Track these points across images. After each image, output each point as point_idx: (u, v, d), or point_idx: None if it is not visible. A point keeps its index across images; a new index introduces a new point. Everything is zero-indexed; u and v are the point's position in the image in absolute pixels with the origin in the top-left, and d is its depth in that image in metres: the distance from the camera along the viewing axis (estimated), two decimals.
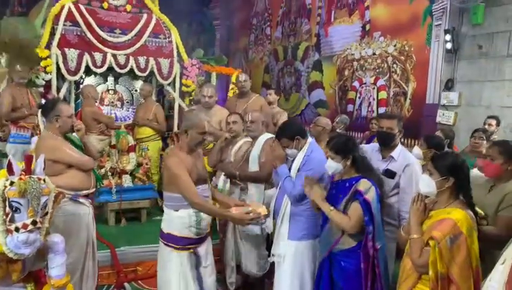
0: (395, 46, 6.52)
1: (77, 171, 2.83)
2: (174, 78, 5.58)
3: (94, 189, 3.02)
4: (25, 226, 1.94)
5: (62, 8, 4.98)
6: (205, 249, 2.69)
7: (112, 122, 5.20)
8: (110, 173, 4.58)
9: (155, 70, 5.42)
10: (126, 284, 3.59)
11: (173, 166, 2.50)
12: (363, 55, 7.17)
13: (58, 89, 4.97)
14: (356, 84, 7.37)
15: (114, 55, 5.16)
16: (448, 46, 5.47)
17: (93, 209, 3.06)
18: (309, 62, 8.68)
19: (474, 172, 2.91)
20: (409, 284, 2.04)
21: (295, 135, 2.72)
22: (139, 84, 5.95)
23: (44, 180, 2.05)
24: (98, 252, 3.22)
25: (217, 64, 6.05)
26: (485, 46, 5.19)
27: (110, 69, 5.28)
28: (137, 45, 5.29)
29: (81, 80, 5.58)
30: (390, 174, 2.78)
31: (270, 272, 3.15)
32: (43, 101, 4.54)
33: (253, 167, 3.20)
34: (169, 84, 5.61)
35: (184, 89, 5.61)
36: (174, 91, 5.64)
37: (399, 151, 2.86)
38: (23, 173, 2.00)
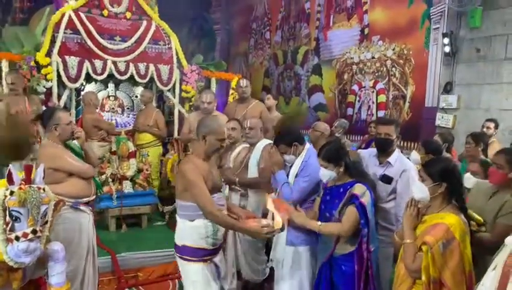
0: (393, 49, 6.55)
1: (77, 179, 2.86)
2: (174, 84, 5.62)
3: (94, 196, 3.05)
4: (25, 235, 1.96)
5: (62, 16, 5.03)
6: (219, 259, 2.58)
7: (113, 128, 5.23)
8: (110, 179, 4.61)
9: (155, 77, 5.46)
10: None
11: (189, 172, 2.36)
12: (362, 58, 7.20)
13: (59, 97, 5.01)
14: (355, 87, 7.40)
15: (114, 62, 5.21)
16: (447, 49, 5.50)
17: (94, 217, 3.09)
18: (308, 66, 8.72)
19: (467, 176, 2.94)
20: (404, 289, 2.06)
21: (293, 141, 2.74)
22: (139, 90, 6.00)
23: (44, 189, 2.07)
24: (98, 259, 3.25)
25: (216, 69, 6.09)
26: (483, 50, 5.21)
27: (111, 76, 5.33)
28: (137, 52, 5.34)
29: (82, 87, 5.63)
30: (387, 179, 2.80)
31: (269, 277, 3.17)
32: (44, 108, 4.58)
33: (252, 173, 3.23)
34: (169, 90, 5.66)
35: (184, 94, 5.64)
36: (174, 97, 5.68)
37: (396, 156, 2.88)
38: (23, 182, 2.02)
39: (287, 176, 2.77)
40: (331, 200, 2.55)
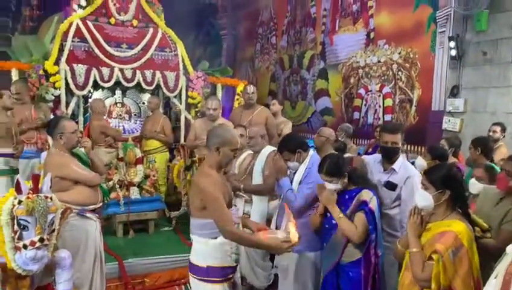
0: (399, 53, 6.54)
1: (84, 187, 2.90)
2: (180, 91, 5.67)
3: (101, 204, 3.09)
4: (32, 243, 2.01)
5: (70, 24, 5.11)
6: (237, 276, 2.46)
7: (120, 135, 5.30)
8: (118, 185, 4.65)
9: (161, 84, 5.52)
10: None
11: (209, 188, 2.19)
12: (368, 62, 7.20)
13: (67, 104, 5.09)
14: (362, 91, 7.39)
15: (121, 70, 5.28)
16: (453, 53, 5.47)
17: (100, 223, 3.13)
18: (314, 70, 8.73)
19: (472, 182, 2.92)
20: None
21: (296, 148, 2.76)
22: (146, 97, 6.06)
23: (51, 198, 2.12)
24: (106, 265, 3.29)
25: (222, 75, 6.12)
26: (489, 53, 5.18)
27: (118, 83, 5.39)
28: (144, 59, 5.40)
29: (90, 94, 5.70)
30: (391, 186, 2.80)
31: (274, 284, 3.18)
32: (52, 116, 4.65)
33: (257, 179, 3.24)
34: (175, 97, 5.71)
35: (190, 101, 5.69)
36: (180, 103, 5.73)
37: (400, 163, 2.87)
38: (30, 191, 2.07)
39: (291, 182, 2.78)
40: (338, 207, 2.56)
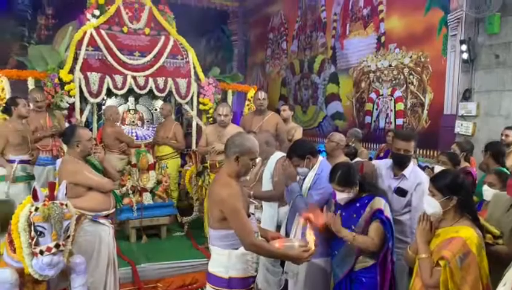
0: (410, 57, 6.51)
1: (97, 193, 2.97)
2: (192, 97, 5.74)
3: (113, 209, 3.16)
4: (48, 249, 2.07)
5: (84, 34, 5.22)
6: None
7: (133, 141, 5.39)
8: (131, 191, 4.74)
9: (173, 90, 5.59)
10: None
11: (230, 199, 2.15)
12: (379, 67, 7.17)
13: (82, 111, 5.19)
14: (373, 95, 7.36)
15: (134, 77, 5.36)
16: (465, 56, 5.43)
17: (113, 229, 3.19)
18: (325, 75, 8.73)
19: (484, 188, 2.90)
20: None
21: (306, 154, 2.78)
22: (158, 103, 6.16)
23: (66, 205, 2.18)
24: (120, 269, 3.35)
25: (232, 81, 6.17)
26: (502, 56, 5.12)
27: (131, 90, 5.48)
28: (156, 66, 5.48)
29: (103, 102, 5.81)
30: (402, 192, 2.79)
31: (284, 289, 3.19)
32: (66, 123, 4.76)
33: (266, 186, 3.27)
34: (187, 103, 5.78)
35: (201, 107, 5.75)
36: (192, 109, 5.80)
37: (411, 169, 2.86)
38: (46, 199, 2.14)
39: (300, 188, 2.80)
40: (348, 215, 2.57)
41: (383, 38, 7.10)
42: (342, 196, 2.52)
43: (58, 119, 4.74)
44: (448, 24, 5.82)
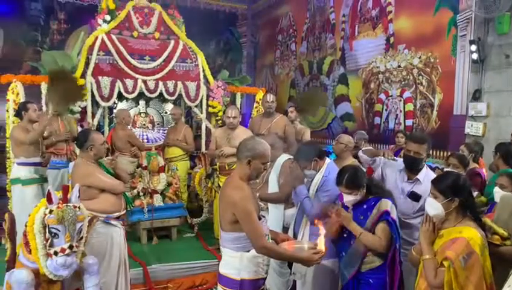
0: (420, 58, 6.49)
1: (109, 195, 3.04)
2: (201, 100, 5.79)
3: (125, 211, 3.23)
4: (62, 250, 2.15)
5: (96, 39, 5.32)
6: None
7: (144, 145, 5.49)
8: (142, 193, 4.82)
9: (183, 94, 5.65)
10: None
11: (242, 202, 2.18)
12: (388, 67, 7.16)
13: (93, 115, 5.28)
14: (382, 96, 7.35)
15: (144, 81, 5.43)
16: (474, 56, 5.40)
17: (125, 230, 3.26)
18: (334, 76, 8.74)
19: (495, 190, 2.89)
20: None
21: (313, 156, 2.81)
22: (168, 106, 6.24)
23: (79, 207, 2.26)
24: (130, 270, 3.42)
25: (241, 84, 6.21)
26: None
27: (141, 93, 5.56)
28: (166, 70, 5.54)
29: (115, 105, 5.91)
30: (415, 197, 2.77)
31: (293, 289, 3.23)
32: (79, 128, 4.85)
33: (272, 187, 3.30)
34: (196, 106, 5.84)
35: (211, 110, 5.80)
36: (201, 112, 5.86)
37: (424, 173, 2.85)
38: (60, 201, 2.21)
39: (308, 190, 2.83)
40: (356, 217, 2.59)
41: (391, 39, 7.09)
42: (349, 198, 2.55)
43: (70, 124, 4.85)
44: (458, 24, 5.79)
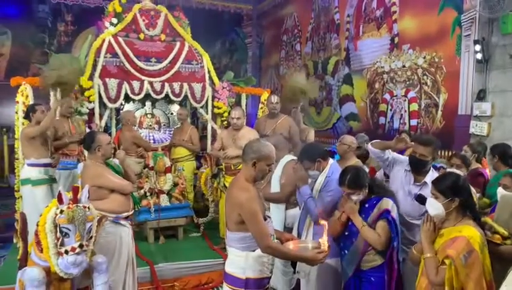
0: (424, 58, 6.50)
1: (118, 195, 3.11)
2: (207, 101, 5.85)
3: (133, 211, 3.30)
4: (73, 249, 2.22)
5: (103, 41, 5.39)
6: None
7: (150, 146, 5.56)
8: (148, 193, 4.89)
9: (189, 95, 5.71)
10: None
11: (248, 203, 2.23)
12: (393, 67, 7.17)
13: (101, 116, 5.36)
14: (387, 96, 7.36)
15: (150, 83, 5.50)
16: (479, 56, 5.40)
17: (132, 230, 3.33)
18: (339, 76, 8.76)
19: (499, 190, 2.92)
20: None
21: (316, 157, 2.87)
22: (174, 107, 6.31)
23: (88, 207, 2.33)
24: (138, 269, 3.49)
25: (246, 85, 6.26)
26: None
27: (147, 95, 5.63)
28: (172, 72, 5.60)
29: (121, 107, 5.99)
30: (422, 200, 2.80)
31: (296, 288, 3.28)
32: (87, 129, 4.94)
33: (274, 188, 3.36)
34: (202, 107, 5.89)
35: (216, 111, 5.86)
36: (207, 113, 5.92)
37: (430, 176, 2.86)
38: (70, 202, 2.28)
39: (312, 190, 2.88)
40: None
41: (396, 39, 7.10)
42: (352, 198, 2.60)
43: (79, 125, 4.94)
44: (462, 24, 5.80)
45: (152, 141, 5.99)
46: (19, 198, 4.80)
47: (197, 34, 6.21)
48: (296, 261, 2.98)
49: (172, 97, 5.67)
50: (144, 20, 5.69)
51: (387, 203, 2.58)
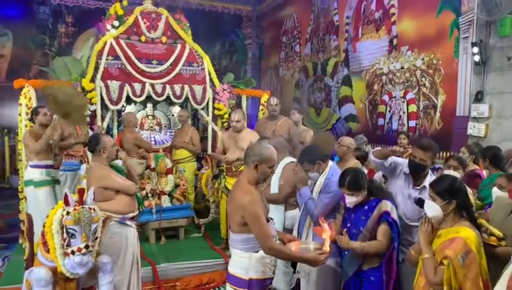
0: (422, 59, 6.56)
1: (123, 196, 3.17)
2: (207, 103, 5.90)
3: (137, 212, 3.36)
4: (79, 249, 2.27)
5: (105, 44, 5.44)
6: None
7: (151, 147, 5.61)
8: (150, 194, 4.94)
9: (189, 97, 5.76)
10: None
11: (251, 205, 2.27)
12: (392, 69, 7.23)
13: (103, 118, 5.41)
14: (386, 98, 7.42)
15: (152, 85, 5.54)
16: (476, 58, 5.47)
17: (137, 230, 3.39)
18: (338, 77, 8.82)
19: (494, 190, 2.97)
20: None
21: (316, 159, 2.92)
22: (175, 109, 6.37)
23: (94, 209, 2.38)
24: (141, 269, 3.54)
25: (246, 87, 6.32)
26: None
27: (149, 97, 5.68)
28: (173, 74, 5.64)
29: (123, 108, 6.04)
30: (422, 203, 2.84)
31: (296, 288, 3.33)
32: (90, 131, 4.99)
33: (274, 189, 3.41)
34: (202, 109, 5.94)
35: (216, 112, 5.91)
36: (208, 115, 5.97)
37: (429, 180, 2.86)
38: (77, 203, 2.34)
39: (311, 192, 2.94)
40: (357, 218, 2.71)
41: (395, 41, 7.16)
42: (351, 200, 2.65)
43: (84, 127, 4.99)
44: (460, 26, 5.86)
45: (153, 143, 6.05)
46: (22, 199, 4.86)
47: (197, 35, 6.26)
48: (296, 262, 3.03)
49: (173, 99, 5.72)
50: (145, 23, 5.74)
51: (386, 205, 2.64)
